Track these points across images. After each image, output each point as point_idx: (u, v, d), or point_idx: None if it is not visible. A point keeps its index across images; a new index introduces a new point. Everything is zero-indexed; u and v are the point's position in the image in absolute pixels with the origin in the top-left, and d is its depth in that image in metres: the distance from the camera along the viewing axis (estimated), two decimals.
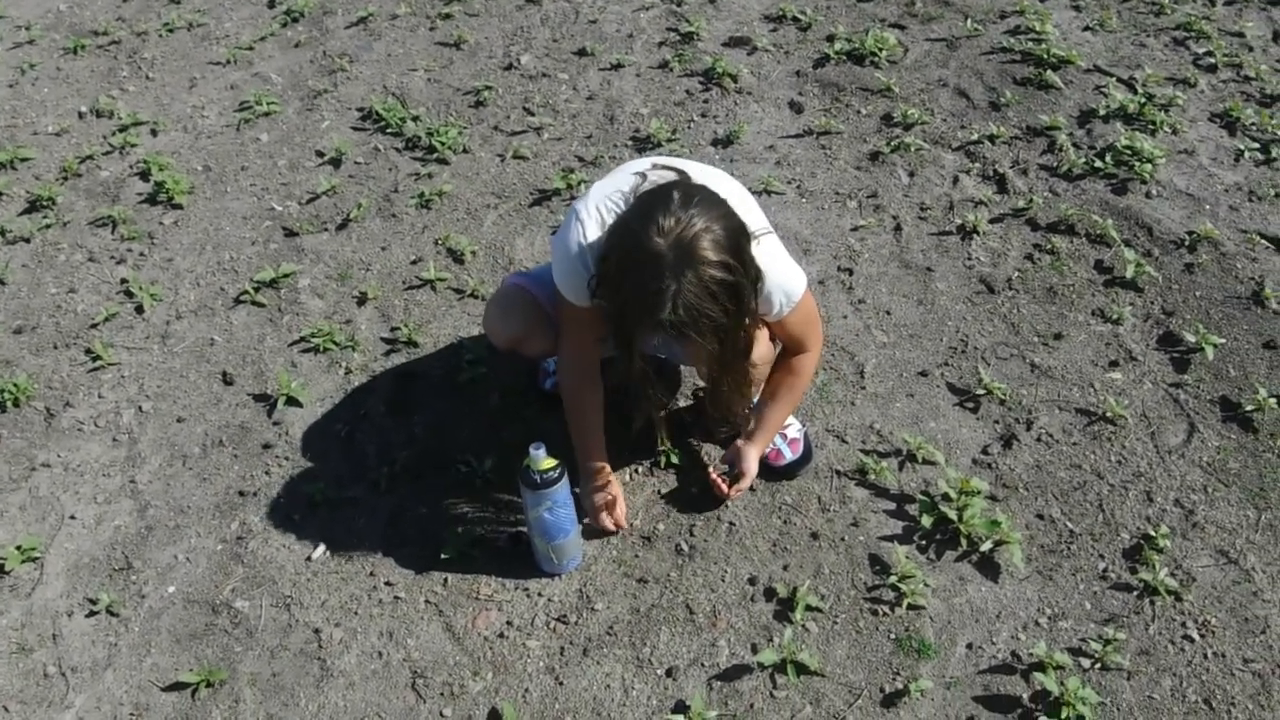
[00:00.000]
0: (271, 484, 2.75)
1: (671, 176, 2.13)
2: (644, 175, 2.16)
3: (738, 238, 1.99)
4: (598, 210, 2.17)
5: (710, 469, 2.61)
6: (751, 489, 2.61)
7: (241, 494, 2.73)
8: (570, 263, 2.20)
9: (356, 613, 2.44)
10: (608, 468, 2.50)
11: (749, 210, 2.20)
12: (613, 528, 2.52)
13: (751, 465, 2.48)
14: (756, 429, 2.49)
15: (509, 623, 2.40)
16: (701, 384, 2.72)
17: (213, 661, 2.37)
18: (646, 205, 1.97)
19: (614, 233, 2.05)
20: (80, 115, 4.27)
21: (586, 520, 2.52)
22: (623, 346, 2.14)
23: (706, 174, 2.22)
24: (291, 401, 2.95)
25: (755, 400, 2.54)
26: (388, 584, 2.50)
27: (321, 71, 4.37)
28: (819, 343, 2.47)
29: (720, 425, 2.67)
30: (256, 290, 3.32)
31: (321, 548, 2.60)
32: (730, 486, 2.51)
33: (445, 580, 2.49)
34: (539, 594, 2.45)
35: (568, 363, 2.49)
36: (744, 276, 1.98)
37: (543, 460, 2.27)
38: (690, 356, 2.51)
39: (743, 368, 2.24)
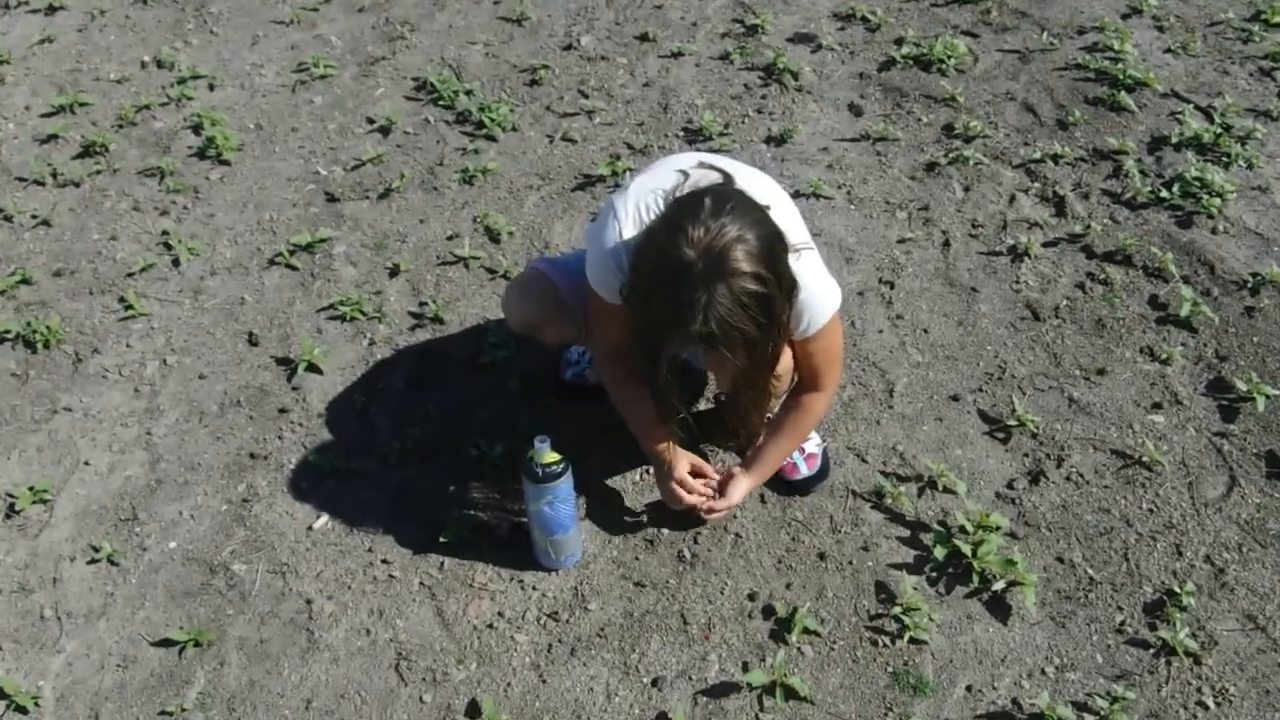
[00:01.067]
0: (283, 449, 2.74)
1: (714, 177, 2.06)
2: (686, 173, 2.09)
3: (772, 245, 1.90)
4: (636, 209, 2.10)
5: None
6: (762, 500, 2.54)
7: (253, 456, 2.72)
8: (604, 259, 2.14)
9: (350, 587, 2.42)
10: (671, 446, 2.40)
11: (791, 221, 2.12)
12: (695, 502, 2.39)
13: (736, 496, 2.41)
14: (755, 461, 2.43)
15: (500, 614, 2.36)
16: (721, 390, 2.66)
17: (203, 621, 2.36)
18: (676, 213, 1.90)
19: (644, 240, 1.98)
20: (143, 65, 4.30)
21: (584, 519, 2.46)
22: (649, 357, 2.07)
23: (752, 178, 2.15)
24: (312, 368, 2.93)
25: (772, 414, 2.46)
26: (384, 561, 2.47)
27: (382, 38, 4.35)
28: (835, 381, 2.39)
29: (735, 436, 2.59)
30: (291, 253, 3.31)
31: (324, 518, 2.58)
32: (705, 505, 2.41)
33: (442, 564, 2.46)
34: (533, 588, 2.41)
35: (604, 356, 2.43)
36: (777, 289, 1.90)
37: (547, 453, 2.22)
38: (714, 365, 2.44)
39: (766, 380, 2.17)
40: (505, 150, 3.72)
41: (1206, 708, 2.14)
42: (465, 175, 3.59)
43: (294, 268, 3.28)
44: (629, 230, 2.09)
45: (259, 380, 2.92)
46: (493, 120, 3.79)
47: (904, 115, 3.83)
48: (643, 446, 2.44)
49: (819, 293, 2.14)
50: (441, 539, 2.48)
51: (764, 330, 1.92)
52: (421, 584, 2.42)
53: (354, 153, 3.74)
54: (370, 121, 3.90)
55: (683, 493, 2.38)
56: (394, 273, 3.24)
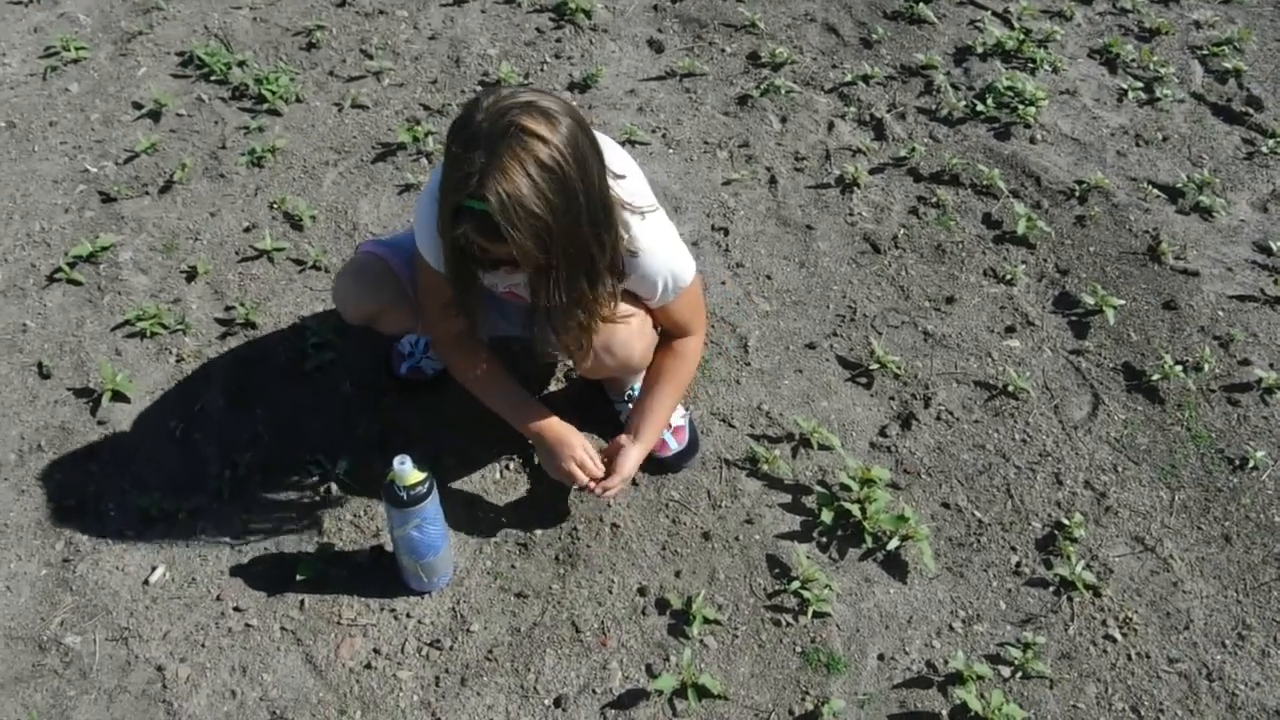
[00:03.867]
0: (100, 495, 2.33)
1: None
2: None
3: (576, 133, 1.64)
4: None
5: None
6: (635, 483, 2.33)
7: (66, 508, 2.31)
8: (431, 223, 1.81)
9: (204, 645, 2.08)
10: (554, 421, 2.14)
11: (640, 188, 1.92)
12: (595, 488, 2.13)
13: (628, 467, 2.14)
14: (640, 423, 2.17)
15: (376, 650, 2.08)
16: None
17: (43, 709, 1.98)
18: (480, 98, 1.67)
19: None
20: None
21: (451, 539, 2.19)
22: (454, 270, 1.81)
23: (604, 142, 1.89)
24: (118, 396, 2.50)
25: (637, 386, 2.25)
26: (237, 609, 2.13)
27: (135, 10, 3.77)
28: (703, 328, 2.21)
29: (553, 347, 2.18)
30: (72, 266, 2.81)
31: (160, 569, 2.20)
32: (598, 484, 2.15)
33: (302, 603, 2.15)
34: (407, 615, 2.13)
35: (445, 340, 2.16)
36: (574, 169, 1.63)
37: (409, 474, 1.94)
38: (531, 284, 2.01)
39: (587, 302, 1.86)
40: (292, 125, 3.29)
41: (1114, 640, 2.10)
42: (253, 157, 3.15)
43: (77, 283, 2.79)
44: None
45: (58, 418, 2.47)
46: (273, 93, 3.35)
47: (707, 47, 3.63)
48: (518, 428, 2.17)
49: (673, 257, 1.96)
50: (298, 575, 2.18)
51: (559, 216, 1.65)
52: (283, 629, 2.11)
53: (124, 144, 3.22)
54: (137, 106, 3.37)
55: (582, 474, 2.12)
56: (191, 276, 2.81)
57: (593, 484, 2.13)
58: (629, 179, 1.89)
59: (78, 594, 2.18)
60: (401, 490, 1.95)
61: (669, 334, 2.17)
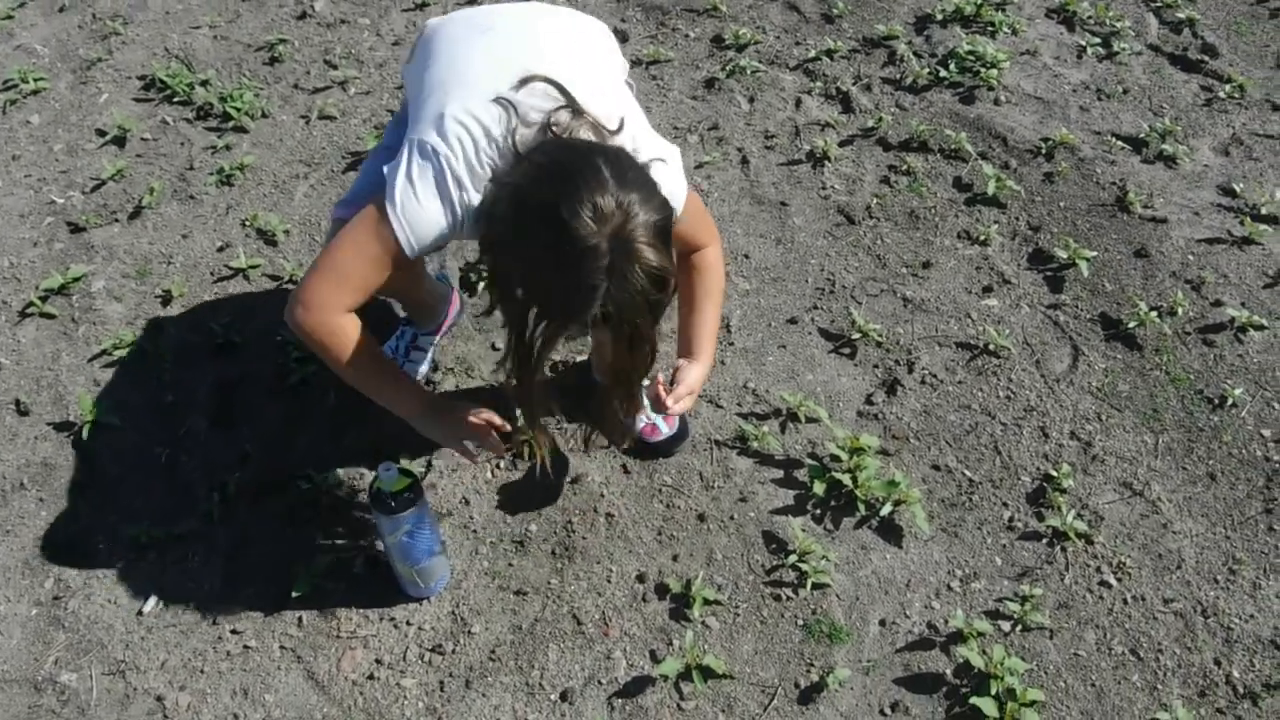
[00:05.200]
0: (87, 529, 2.34)
1: (545, 104, 1.75)
2: (513, 104, 1.76)
3: (668, 221, 1.65)
4: (467, 157, 1.77)
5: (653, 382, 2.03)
6: (625, 470, 2.36)
7: (54, 545, 2.32)
8: (433, 216, 1.78)
9: (203, 671, 2.09)
10: (437, 397, 2.12)
11: (641, 129, 1.87)
12: (665, 398, 2.01)
13: (693, 377, 2.04)
14: (693, 343, 2.08)
15: (378, 661, 2.10)
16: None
17: None
18: (568, 180, 1.59)
19: (523, 210, 1.64)
20: None
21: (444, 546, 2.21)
22: (524, 347, 1.75)
23: (593, 90, 1.83)
24: (99, 428, 2.51)
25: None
26: (234, 632, 2.15)
27: (93, 37, 3.78)
28: (717, 237, 2.12)
29: (611, 429, 2.20)
30: (44, 300, 2.82)
31: (154, 598, 2.22)
32: (669, 394, 2.01)
33: (300, 620, 2.16)
34: (407, 623, 2.15)
35: (332, 322, 1.92)
36: (672, 265, 1.66)
37: (395, 480, 1.95)
38: (597, 348, 2.14)
39: (645, 359, 1.85)
40: (260, 140, 3.31)
41: (1109, 585, 2.14)
42: (221, 176, 3.17)
43: (50, 316, 2.80)
44: (469, 181, 1.78)
45: (40, 454, 2.49)
46: (238, 110, 3.36)
47: (670, 33, 3.65)
48: (405, 411, 2.06)
49: (676, 186, 1.87)
50: (294, 592, 2.19)
51: (656, 309, 1.69)
52: (283, 648, 2.12)
53: (90, 172, 3.24)
54: (101, 134, 3.38)
55: (490, 429, 2.05)
56: (166, 300, 2.82)
57: (664, 396, 2.02)
58: (633, 125, 1.85)
59: (70, 631, 2.18)
60: (388, 497, 1.96)
61: (683, 255, 2.03)
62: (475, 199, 1.78)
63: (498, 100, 1.76)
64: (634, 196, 1.58)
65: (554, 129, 1.73)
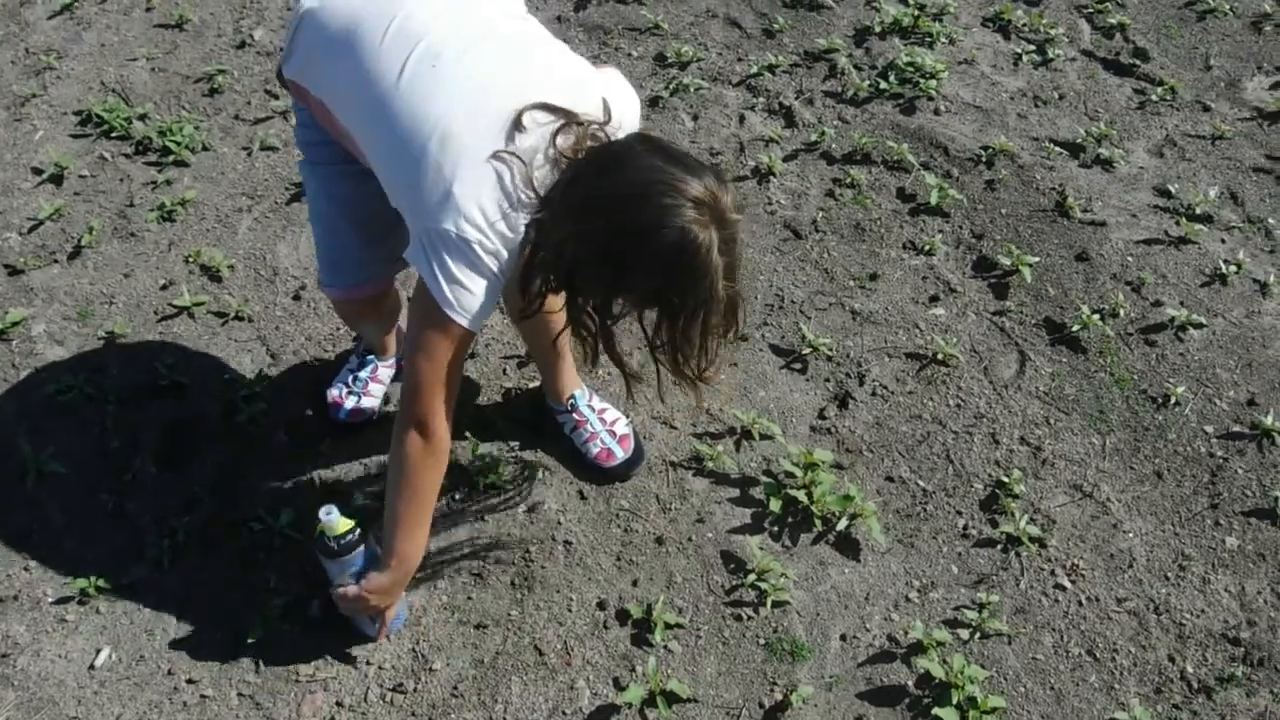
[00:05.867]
0: (34, 582, 2.29)
1: (539, 133, 1.68)
2: (514, 157, 1.68)
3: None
4: (495, 229, 1.70)
5: None
6: (582, 496, 2.36)
7: (0, 599, 2.28)
8: (482, 289, 1.73)
9: None
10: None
11: (620, 90, 1.83)
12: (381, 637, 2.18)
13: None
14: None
15: (339, 703, 2.07)
16: None
17: None
18: (646, 198, 1.58)
19: (622, 245, 1.61)
20: None
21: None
22: (607, 329, 1.76)
23: (612, 94, 1.78)
24: (43, 476, 2.47)
25: None
26: (190, 682, 2.11)
27: (26, 73, 3.73)
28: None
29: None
30: None
31: (106, 650, 2.18)
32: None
33: (257, 665, 2.13)
34: (367, 662, 2.13)
35: (443, 414, 1.89)
36: None
37: (338, 524, 1.94)
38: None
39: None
40: (201, 174, 3.28)
41: (1064, 588, 2.17)
42: (163, 212, 3.13)
43: None
44: (503, 249, 1.72)
45: None
46: (178, 143, 3.33)
47: (613, 53, 3.66)
48: (400, 546, 1.99)
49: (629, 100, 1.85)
50: (249, 638, 2.16)
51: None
52: (240, 694, 2.09)
53: (26, 212, 3.19)
54: (37, 172, 3.33)
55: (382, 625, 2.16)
56: (109, 342, 2.78)
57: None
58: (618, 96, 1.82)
59: (20, 689, 2.14)
60: (332, 540, 1.95)
61: None
62: (511, 249, 1.73)
63: (497, 157, 1.68)
64: (693, 168, 1.60)
65: (565, 158, 1.68)
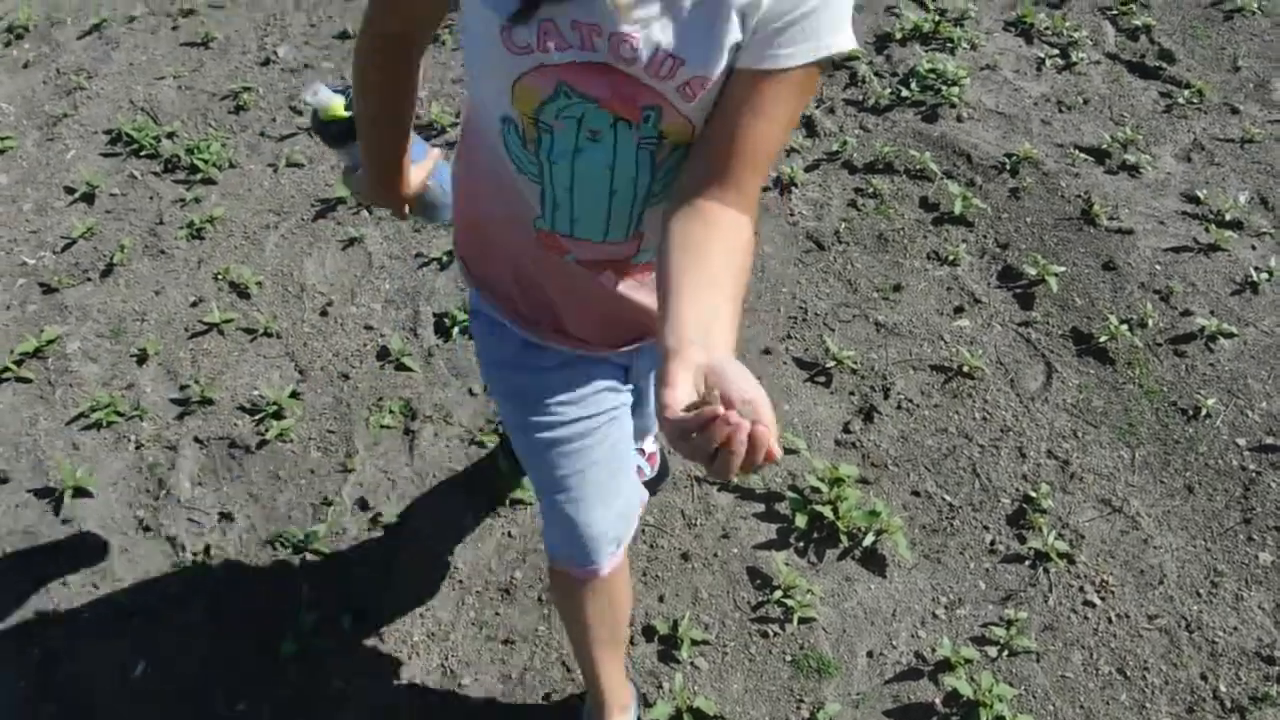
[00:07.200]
0: (72, 595, 2.32)
1: None
2: None
3: None
4: None
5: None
6: None
7: (39, 613, 2.30)
8: None
9: None
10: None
11: None
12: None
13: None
14: (706, 328, 1.06)
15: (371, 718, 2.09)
16: None
17: None
18: None
19: None
20: None
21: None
22: None
23: None
24: (80, 492, 2.50)
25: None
26: (225, 695, 2.14)
27: (58, 93, 3.78)
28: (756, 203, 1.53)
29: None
30: (19, 364, 2.81)
31: (142, 664, 2.20)
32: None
33: (291, 680, 2.15)
34: (398, 677, 2.15)
35: (375, 45, 1.43)
36: None
37: (332, 105, 1.61)
38: None
39: None
40: (228, 191, 3.31)
41: (1093, 605, 2.15)
42: (192, 229, 3.16)
43: (26, 380, 2.79)
44: None
45: (21, 522, 2.47)
46: (206, 161, 3.36)
47: None
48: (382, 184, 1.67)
49: None
50: (282, 652, 2.18)
51: None
52: (275, 709, 2.11)
53: (60, 231, 3.23)
54: (69, 191, 3.37)
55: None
56: (142, 359, 2.82)
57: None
58: None
59: (59, 701, 2.17)
60: (332, 124, 1.64)
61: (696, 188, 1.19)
62: None
63: None
64: None
65: None
